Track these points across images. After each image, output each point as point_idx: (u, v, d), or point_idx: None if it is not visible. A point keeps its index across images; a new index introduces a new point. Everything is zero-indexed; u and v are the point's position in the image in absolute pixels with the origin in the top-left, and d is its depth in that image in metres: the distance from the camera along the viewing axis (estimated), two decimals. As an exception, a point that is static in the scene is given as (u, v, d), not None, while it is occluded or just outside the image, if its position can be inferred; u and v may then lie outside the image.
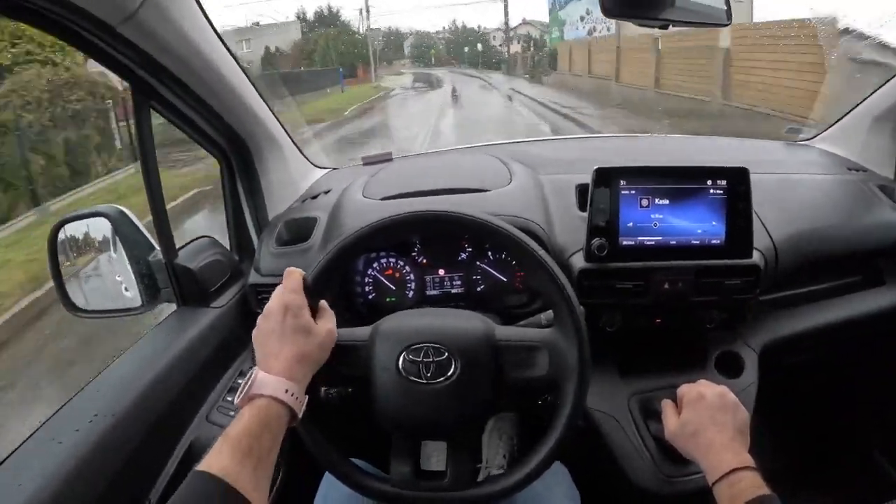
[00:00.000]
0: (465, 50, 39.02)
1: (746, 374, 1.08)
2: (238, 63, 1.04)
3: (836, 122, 1.46)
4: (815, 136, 1.53)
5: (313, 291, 0.74)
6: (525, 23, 36.38)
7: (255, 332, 0.71)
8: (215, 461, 0.57)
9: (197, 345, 1.00)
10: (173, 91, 0.96)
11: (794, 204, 1.19)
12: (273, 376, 0.65)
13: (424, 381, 0.73)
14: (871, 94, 1.33)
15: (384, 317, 0.81)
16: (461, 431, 0.77)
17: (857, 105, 1.38)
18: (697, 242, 1.00)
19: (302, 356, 0.68)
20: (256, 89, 1.13)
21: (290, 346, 0.68)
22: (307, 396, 0.68)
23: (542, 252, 0.77)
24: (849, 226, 1.20)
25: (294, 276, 0.74)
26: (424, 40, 46.40)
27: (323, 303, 0.77)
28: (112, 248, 1.07)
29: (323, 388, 0.83)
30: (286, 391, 0.64)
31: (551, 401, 0.79)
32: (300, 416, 0.67)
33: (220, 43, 0.98)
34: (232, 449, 0.58)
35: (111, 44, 0.81)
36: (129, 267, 1.06)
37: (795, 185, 1.26)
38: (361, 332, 0.79)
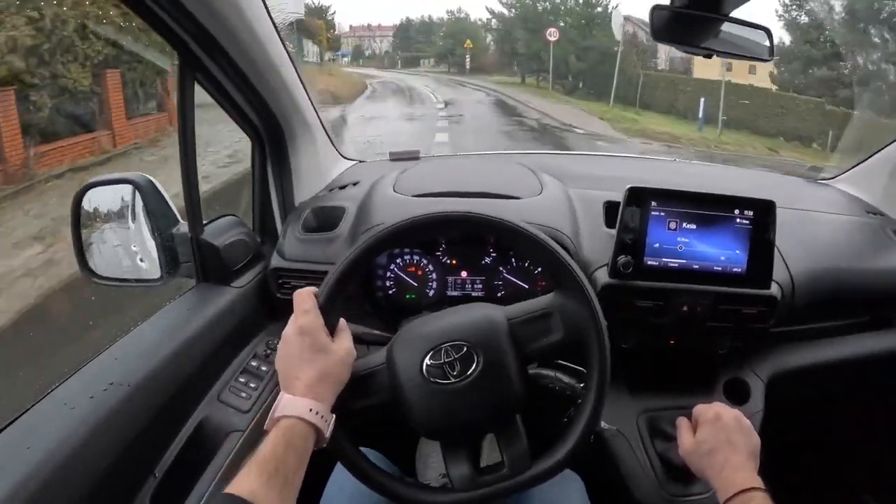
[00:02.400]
0: (554, 39, 17.67)
1: (753, 402, 1.12)
2: (283, 43, 1.06)
3: (858, 164, 1.50)
4: (835, 177, 1.56)
5: (328, 308, 0.75)
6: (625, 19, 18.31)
7: (276, 358, 0.74)
8: (244, 483, 0.59)
9: (215, 322, 1.01)
10: (220, 66, 0.97)
11: (813, 241, 1.23)
12: (297, 397, 0.67)
13: (453, 380, 0.75)
14: (895, 140, 1.37)
15: (404, 318, 0.83)
16: (504, 417, 0.78)
17: (880, 149, 1.42)
18: (719, 269, 1.03)
19: (323, 375, 0.70)
20: (298, 73, 1.14)
21: (310, 367, 0.70)
22: (333, 416, 0.70)
23: (537, 231, 0.80)
24: (864, 267, 1.23)
25: (305, 297, 0.75)
26: (462, 28, 32.71)
27: (341, 322, 0.78)
28: (131, 216, 1.08)
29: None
30: (310, 410, 0.67)
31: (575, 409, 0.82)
32: (327, 435, 0.69)
33: (270, 20, 1.00)
34: (259, 471, 0.60)
35: (166, 8, 0.83)
36: (149, 237, 1.07)
37: (815, 222, 1.30)
38: (377, 357, 0.80)
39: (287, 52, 1.08)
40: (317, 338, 0.72)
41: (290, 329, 0.73)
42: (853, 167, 1.51)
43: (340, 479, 0.91)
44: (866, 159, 1.47)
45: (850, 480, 1.52)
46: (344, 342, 0.75)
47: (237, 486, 0.59)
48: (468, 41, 31.37)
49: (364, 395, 0.78)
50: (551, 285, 0.83)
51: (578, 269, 0.79)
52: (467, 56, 31.27)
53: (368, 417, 0.79)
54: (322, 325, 0.73)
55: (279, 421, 0.66)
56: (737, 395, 1.12)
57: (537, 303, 0.81)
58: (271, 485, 0.60)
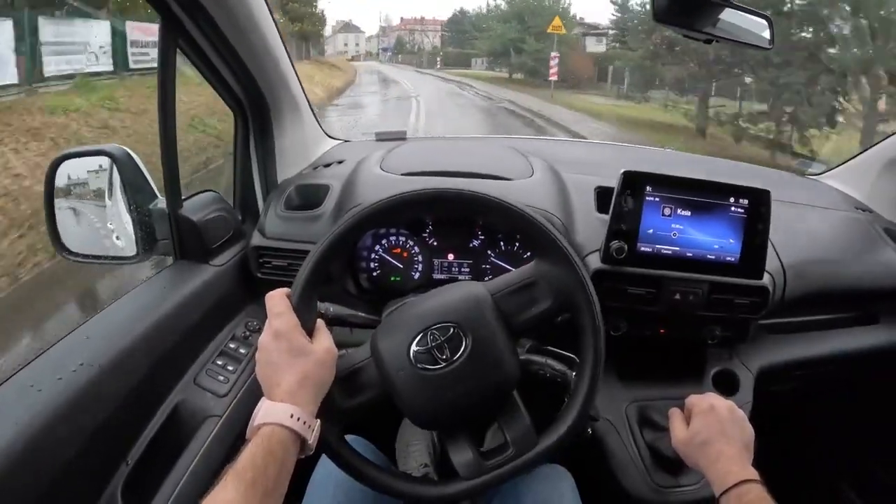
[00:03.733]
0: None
1: (742, 394, 1.12)
2: (273, 16, 1.02)
3: (847, 160, 1.52)
4: (824, 172, 1.59)
5: (302, 307, 0.72)
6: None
7: (256, 369, 0.71)
8: (219, 496, 0.57)
9: (192, 302, 0.97)
10: (205, 33, 0.94)
11: (804, 234, 1.24)
12: (277, 403, 0.65)
13: (444, 365, 0.72)
14: (886, 137, 1.39)
15: (389, 300, 0.83)
16: (501, 396, 0.76)
17: (871, 147, 1.44)
18: (713, 257, 1.03)
19: (303, 379, 0.68)
20: (286, 49, 1.11)
21: (289, 371, 0.68)
22: (318, 421, 0.67)
23: (520, 204, 0.78)
24: (853, 263, 1.25)
25: (278, 299, 0.72)
26: (535, 7, 21.43)
27: (319, 321, 0.75)
28: (109, 191, 1.04)
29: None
30: (291, 416, 0.64)
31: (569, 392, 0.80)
32: (311, 442, 0.66)
33: None
34: (236, 482, 0.58)
35: None
36: (125, 213, 1.03)
37: (806, 216, 1.31)
38: (360, 353, 0.77)
39: (276, 23, 1.04)
40: (293, 340, 0.69)
41: (265, 335, 0.70)
42: (842, 163, 1.54)
43: (328, 463, 0.88)
44: (856, 156, 1.49)
45: (833, 475, 1.55)
46: (323, 341, 0.72)
47: (213, 499, 0.56)
48: (556, 20, 17.24)
49: (353, 394, 0.75)
50: (531, 254, 0.81)
51: (555, 230, 0.77)
52: (554, 55, 16.21)
53: (360, 415, 0.76)
54: (297, 325, 0.70)
55: (259, 429, 0.63)
56: (726, 387, 1.12)
57: (519, 273, 0.79)
58: (249, 497, 0.57)
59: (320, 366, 0.70)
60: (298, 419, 0.64)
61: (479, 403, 0.75)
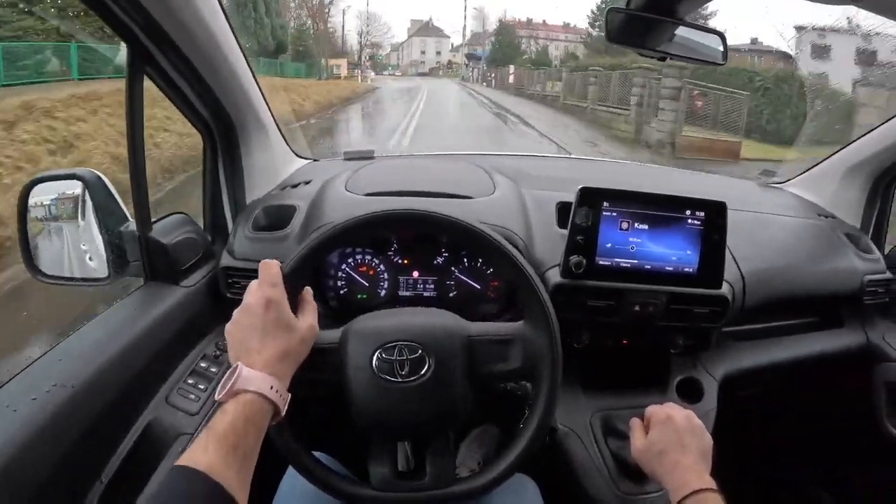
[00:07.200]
0: None
1: (706, 401, 1.16)
2: (237, 41, 1.06)
3: (810, 168, 1.59)
4: (787, 181, 1.65)
5: (292, 283, 0.76)
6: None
7: (230, 327, 0.73)
8: (201, 457, 0.58)
9: (163, 322, 1.01)
10: (171, 61, 0.98)
11: (765, 242, 1.29)
12: (257, 372, 0.67)
13: (399, 380, 0.76)
14: (846, 146, 1.46)
15: (355, 317, 0.84)
16: (439, 429, 0.81)
17: (832, 155, 1.51)
18: (671, 269, 1.07)
19: (285, 353, 0.70)
20: (252, 70, 1.15)
21: (272, 342, 0.70)
22: (290, 394, 0.70)
23: (515, 252, 0.82)
24: (815, 268, 1.30)
25: (272, 269, 0.75)
26: None
27: (306, 292, 0.79)
28: (81, 214, 1.07)
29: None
30: (271, 387, 0.66)
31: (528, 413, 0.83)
32: (283, 413, 0.69)
33: (224, 17, 1.01)
34: (218, 445, 0.59)
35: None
36: (97, 235, 1.06)
37: (768, 224, 1.36)
38: (332, 335, 0.81)
39: (241, 48, 1.08)
40: (283, 313, 0.72)
41: (254, 298, 0.72)
42: (805, 172, 1.60)
43: (294, 476, 0.91)
44: (818, 164, 1.55)
45: (805, 477, 1.60)
46: (308, 318, 0.76)
47: (192, 459, 0.57)
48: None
49: (311, 368, 0.78)
50: (517, 309, 0.84)
51: (550, 303, 0.80)
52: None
53: (312, 391, 0.80)
54: (286, 298, 0.73)
55: (236, 395, 0.65)
56: (690, 395, 1.17)
57: (503, 328, 0.83)
58: (229, 462, 0.59)
59: (301, 343, 0.73)
60: (277, 391, 0.67)
61: (416, 428, 0.80)
